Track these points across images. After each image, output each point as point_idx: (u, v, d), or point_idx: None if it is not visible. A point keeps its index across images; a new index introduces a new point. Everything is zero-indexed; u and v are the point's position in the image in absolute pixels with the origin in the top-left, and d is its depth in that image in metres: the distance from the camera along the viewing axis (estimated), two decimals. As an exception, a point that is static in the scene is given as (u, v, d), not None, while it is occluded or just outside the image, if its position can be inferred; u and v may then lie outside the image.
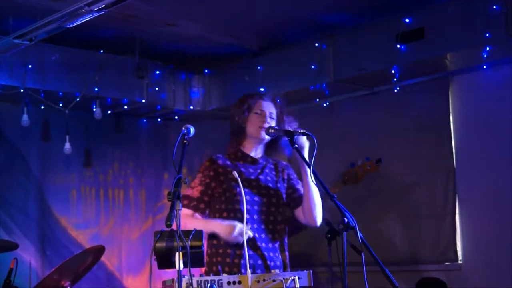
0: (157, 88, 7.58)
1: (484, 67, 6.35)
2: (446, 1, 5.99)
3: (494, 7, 5.65)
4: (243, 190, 3.61)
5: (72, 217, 7.64)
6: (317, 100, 7.44)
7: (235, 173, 3.63)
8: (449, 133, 6.71)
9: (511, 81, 6.27)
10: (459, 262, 6.60)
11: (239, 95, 4.16)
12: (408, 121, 6.98)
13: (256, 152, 3.88)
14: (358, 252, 3.34)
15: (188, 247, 2.98)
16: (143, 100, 7.46)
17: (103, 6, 4.88)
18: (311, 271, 3.40)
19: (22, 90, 6.62)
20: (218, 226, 3.66)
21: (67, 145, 7.15)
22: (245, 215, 3.55)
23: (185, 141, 3.43)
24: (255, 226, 3.73)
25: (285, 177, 3.90)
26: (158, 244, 3.02)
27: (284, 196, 3.85)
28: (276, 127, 3.74)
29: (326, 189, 3.40)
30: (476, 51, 5.98)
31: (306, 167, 3.62)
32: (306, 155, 3.64)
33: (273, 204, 3.76)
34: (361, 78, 6.74)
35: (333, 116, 7.54)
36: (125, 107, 7.63)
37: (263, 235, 3.71)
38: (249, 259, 3.57)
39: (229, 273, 3.43)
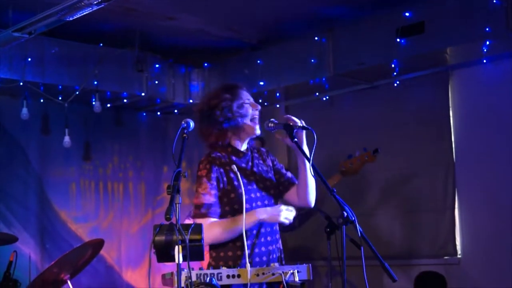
0: (156, 82, 7.58)
1: (484, 61, 6.35)
2: (446, -5, 5.99)
3: (494, 1, 5.65)
4: (244, 188, 3.59)
5: (72, 210, 7.65)
6: (317, 94, 7.44)
7: (234, 167, 3.61)
8: (449, 127, 6.71)
9: (511, 75, 6.27)
10: (458, 256, 6.61)
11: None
12: (408, 115, 6.99)
13: (245, 146, 3.84)
14: (357, 246, 3.33)
15: (187, 241, 2.98)
16: (143, 94, 7.45)
17: (103, -1, 4.88)
18: (310, 265, 3.40)
19: (21, 84, 6.62)
20: (263, 213, 3.58)
21: (67, 139, 7.15)
22: (244, 213, 3.52)
23: (184, 135, 3.42)
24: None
25: (270, 163, 3.87)
26: (157, 238, 3.02)
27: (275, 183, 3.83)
28: (275, 121, 3.71)
29: (325, 183, 3.40)
30: (476, 45, 5.98)
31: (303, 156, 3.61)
32: (305, 148, 3.62)
33: (272, 196, 3.75)
34: (360, 72, 6.74)
35: (332, 110, 7.55)
36: (125, 100, 7.63)
37: (268, 229, 3.69)
38: (256, 255, 3.59)
39: (234, 266, 3.42)
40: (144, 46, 7.31)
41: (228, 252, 3.58)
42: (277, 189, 3.79)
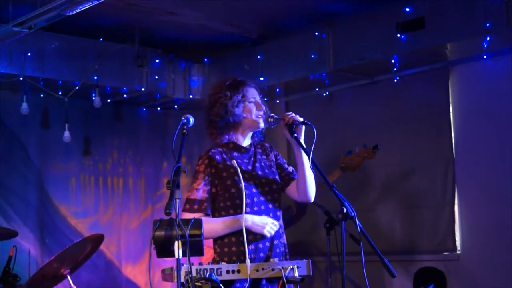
0: (156, 77, 7.57)
1: (484, 57, 6.35)
2: (446, -10, 5.99)
3: (495, -3, 5.65)
4: (244, 183, 3.59)
5: (72, 205, 7.65)
6: (317, 89, 7.44)
7: (234, 162, 3.61)
8: (449, 122, 6.71)
9: (511, 71, 6.26)
10: (458, 252, 6.61)
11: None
12: (407, 111, 6.98)
13: (248, 141, 3.84)
14: (357, 241, 3.33)
15: (187, 236, 2.98)
16: (143, 89, 7.45)
17: (103, -6, 4.87)
18: (310, 260, 3.40)
19: (21, 78, 6.62)
20: (249, 220, 3.56)
21: (66, 134, 7.15)
22: (244, 208, 3.52)
23: (184, 130, 3.41)
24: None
25: (273, 158, 3.87)
26: (157, 233, 3.02)
27: (278, 178, 3.83)
28: (276, 116, 3.71)
29: (325, 178, 3.40)
30: (477, 41, 5.98)
31: (303, 152, 3.60)
32: (302, 143, 3.62)
33: (274, 191, 3.74)
34: (361, 67, 6.74)
35: (332, 106, 7.55)
36: (125, 95, 7.63)
37: None
38: (260, 250, 3.59)
39: (236, 261, 3.42)
40: (144, 41, 7.30)
41: (232, 247, 3.58)
42: (279, 184, 3.79)
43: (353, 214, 3.22)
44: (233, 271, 3.29)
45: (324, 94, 7.49)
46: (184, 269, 3.13)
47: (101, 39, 7.12)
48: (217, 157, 3.67)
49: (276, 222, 3.66)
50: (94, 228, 7.59)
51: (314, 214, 6.99)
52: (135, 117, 8.28)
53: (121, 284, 7.95)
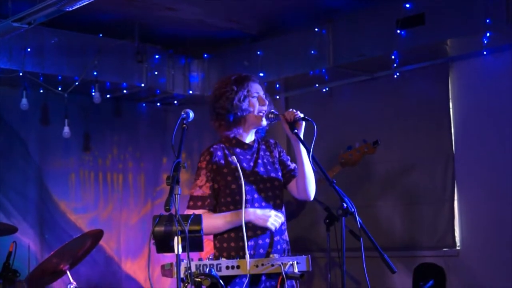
0: (156, 73, 7.57)
1: (484, 53, 6.34)
2: (446, -14, 5.98)
3: (495, -7, 5.64)
4: (244, 180, 3.59)
5: (71, 201, 7.65)
6: (317, 85, 7.44)
7: (234, 158, 3.61)
8: (449, 119, 6.71)
9: (511, 67, 6.26)
10: (457, 248, 6.62)
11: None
12: (407, 107, 6.98)
13: (251, 138, 3.84)
14: (356, 237, 3.34)
15: (186, 232, 2.98)
16: (142, 85, 7.45)
17: (103, -11, 4.87)
18: (309, 256, 3.40)
19: (21, 74, 6.61)
20: (251, 215, 3.59)
21: (66, 129, 7.15)
22: (244, 204, 3.52)
23: (184, 125, 3.41)
24: None
25: (276, 155, 3.87)
26: (157, 228, 3.02)
27: (280, 175, 3.83)
28: (276, 112, 3.71)
29: (325, 174, 3.40)
30: (477, 37, 5.97)
31: (301, 146, 3.60)
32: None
33: (276, 188, 3.74)
34: (360, 63, 6.73)
35: (332, 102, 7.54)
36: (124, 91, 7.62)
37: None
38: (260, 247, 3.59)
39: (236, 257, 3.42)
40: (144, 37, 7.30)
41: (231, 243, 3.59)
42: (281, 181, 3.79)
43: (353, 210, 3.22)
44: (232, 267, 3.29)
45: (324, 90, 7.48)
46: (183, 265, 3.12)
47: (101, 35, 7.11)
48: (219, 153, 3.67)
49: (280, 215, 3.67)
50: (93, 224, 7.59)
51: (314, 210, 6.99)
52: (134, 112, 8.28)
53: (121, 280, 7.96)
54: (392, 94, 7.09)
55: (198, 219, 3.07)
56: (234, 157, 3.62)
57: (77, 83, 6.98)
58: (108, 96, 7.67)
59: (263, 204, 3.66)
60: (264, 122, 3.75)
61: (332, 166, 6.24)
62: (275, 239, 3.65)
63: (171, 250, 3.00)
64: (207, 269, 3.21)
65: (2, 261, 5.39)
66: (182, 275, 3.09)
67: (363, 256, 3.26)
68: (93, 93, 7.08)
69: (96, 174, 7.92)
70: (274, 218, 3.63)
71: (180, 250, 2.98)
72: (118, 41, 7.20)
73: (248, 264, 3.30)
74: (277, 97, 7.83)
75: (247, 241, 3.51)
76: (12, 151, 7.27)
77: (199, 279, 3.13)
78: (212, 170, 3.64)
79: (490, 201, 6.40)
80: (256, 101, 3.75)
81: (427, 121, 6.84)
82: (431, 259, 6.59)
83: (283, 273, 3.31)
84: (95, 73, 7.02)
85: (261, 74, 7.20)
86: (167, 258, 3.32)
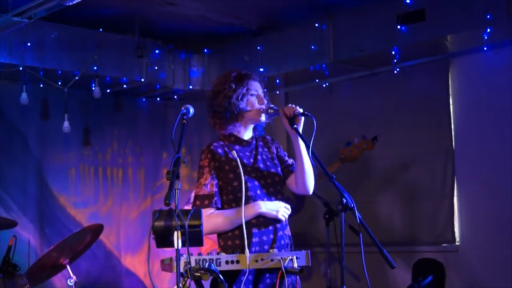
0: (156, 68, 7.57)
1: (485, 49, 6.34)
2: (447, -18, 5.97)
3: (495, -12, 5.64)
4: (246, 176, 3.58)
5: (71, 195, 7.66)
6: (317, 80, 7.43)
7: (234, 153, 3.62)
8: (449, 114, 6.71)
9: (511, 63, 6.26)
10: (457, 243, 6.62)
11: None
12: (407, 103, 6.98)
13: (249, 135, 3.83)
14: (356, 233, 3.34)
15: (186, 226, 2.99)
16: (142, 79, 7.45)
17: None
18: (309, 251, 3.40)
19: (21, 68, 6.61)
20: (264, 206, 3.61)
21: (66, 124, 7.15)
22: (244, 201, 3.53)
23: (184, 121, 3.41)
24: None
25: (274, 150, 3.88)
26: (156, 223, 3.02)
27: (280, 170, 3.83)
28: (275, 107, 3.71)
29: (324, 169, 3.40)
30: (477, 33, 5.97)
31: (301, 141, 3.60)
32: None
33: (277, 183, 3.75)
34: (361, 59, 6.72)
35: (332, 97, 7.54)
36: (124, 86, 7.62)
37: None
38: (264, 243, 3.59)
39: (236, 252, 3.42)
40: (144, 32, 7.29)
41: (236, 240, 3.58)
42: (281, 176, 3.79)
43: (352, 205, 3.23)
44: (232, 262, 3.29)
45: (324, 86, 7.48)
46: (183, 260, 3.13)
47: (101, 30, 7.11)
48: (219, 150, 3.66)
49: (288, 206, 3.69)
50: (93, 218, 7.60)
51: (313, 205, 6.99)
52: (134, 107, 8.28)
53: (121, 274, 7.97)
54: (392, 89, 7.08)
55: (198, 214, 3.07)
56: (234, 152, 3.62)
57: (77, 78, 6.98)
58: (108, 90, 7.67)
59: (265, 200, 3.67)
60: (263, 118, 3.75)
61: (331, 162, 6.24)
62: (279, 234, 3.65)
63: (171, 245, 3.00)
64: (207, 264, 3.21)
65: (2, 255, 5.39)
66: (181, 270, 3.10)
67: (362, 252, 3.26)
68: (93, 88, 7.08)
69: (96, 169, 7.92)
70: (284, 210, 3.66)
71: (180, 245, 2.98)
72: (118, 35, 7.20)
73: (247, 259, 3.30)
74: (277, 92, 7.83)
75: (252, 238, 3.53)
76: (12, 145, 7.28)
77: (199, 274, 3.14)
78: (215, 167, 3.63)
79: (489, 197, 6.41)
80: (255, 99, 3.74)
81: (427, 117, 6.84)
82: (431, 254, 6.59)
83: (283, 268, 3.31)
84: (95, 68, 7.02)
85: (261, 69, 7.20)
86: (167, 253, 3.33)
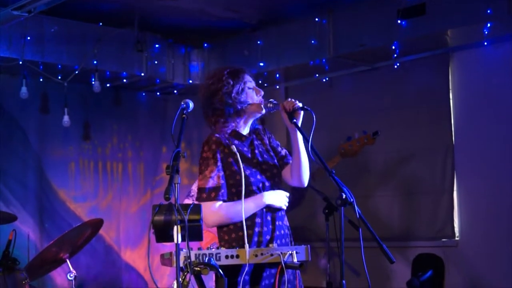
0: (156, 62, 7.55)
1: (485, 43, 6.33)
2: (448, -24, 5.96)
3: (496, -17, 5.62)
4: (248, 171, 3.59)
5: (71, 190, 7.66)
6: (317, 75, 7.42)
7: (234, 147, 3.61)
8: (449, 109, 6.70)
9: (511, 58, 6.25)
10: (456, 238, 6.63)
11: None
12: (407, 97, 6.98)
13: (248, 129, 3.82)
14: (355, 227, 3.33)
15: (186, 221, 2.98)
16: (142, 74, 7.44)
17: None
18: (308, 246, 3.40)
19: (20, 62, 6.60)
20: (270, 197, 3.62)
21: (66, 118, 7.15)
22: (243, 194, 3.52)
23: (184, 115, 3.40)
24: None
25: (267, 141, 3.87)
26: (156, 218, 3.02)
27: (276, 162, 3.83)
28: (275, 101, 3.70)
29: (324, 164, 3.40)
30: (477, 27, 5.95)
31: (300, 135, 3.60)
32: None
33: (275, 175, 3.74)
34: (361, 53, 6.72)
35: (332, 92, 7.54)
36: (124, 80, 7.61)
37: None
38: (264, 233, 3.59)
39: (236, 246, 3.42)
40: (144, 26, 7.28)
41: (239, 232, 3.57)
42: (279, 168, 3.78)
43: (352, 200, 3.22)
44: (231, 256, 3.29)
45: (324, 80, 7.47)
46: (183, 254, 3.13)
47: (101, 24, 7.10)
48: (223, 142, 3.64)
49: (287, 194, 3.70)
50: (93, 213, 7.60)
51: (313, 200, 6.99)
52: (134, 102, 8.28)
53: (120, 269, 7.97)
54: (392, 84, 7.08)
55: (197, 208, 3.07)
56: (233, 146, 3.62)
57: (77, 72, 6.98)
58: (108, 85, 7.66)
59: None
60: (263, 110, 3.74)
61: (331, 157, 6.24)
62: (277, 223, 3.66)
63: (171, 239, 3.00)
64: (207, 259, 3.21)
65: (2, 250, 5.40)
66: (181, 264, 3.10)
67: (362, 246, 3.26)
68: (93, 82, 7.07)
69: (96, 163, 7.92)
70: (285, 199, 3.68)
71: (180, 239, 2.98)
72: (118, 30, 7.19)
73: (247, 254, 3.30)
74: (277, 87, 7.83)
75: (255, 228, 3.54)
76: (12, 139, 7.27)
77: (199, 268, 3.14)
78: (220, 159, 3.60)
79: (489, 191, 6.41)
80: (253, 92, 3.74)
81: (427, 112, 6.84)
82: (430, 249, 6.60)
83: (283, 263, 3.31)
84: (95, 62, 7.01)
85: (261, 64, 7.19)
86: (167, 247, 3.33)
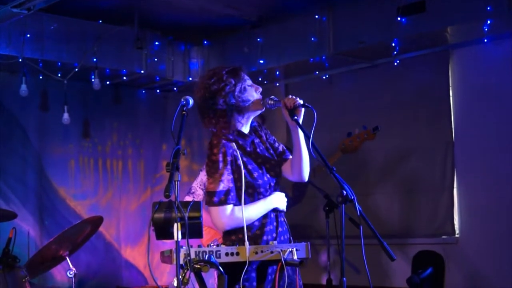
0: (156, 59, 7.55)
1: (485, 40, 6.33)
2: (448, -27, 5.95)
3: (496, -20, 5.62)
4: (257, 172, 3.59)
5: (71, 187, 7.66)
6: (317, 72, 7.42)
7: (234, 144, 3.60)
8: (449, 106, 6.70)
9: (511, 55, 6.24)
10: (456, 235, 6.63)
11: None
12: (407, 95, 6.97)
13: (248, 128, 3.78)
14: (356, 225, 3.33)
15: (186, 218, 2.98)
16: (142, 71, 7.43)
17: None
18: (309, 243, 3.40)
19: (20, 60, 6.60)
20: (277, 201, 3.63)
21: (66, 116, 7.15)
22: (243, 197, 3.51)
23: (184, 112, 3.38)
24: None
25: (264, 137, 3.85)
26: (156, 215, 3.02)
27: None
28: (276, 98, 3.68)
29: (325, 161, 3.39)
30: (477, 24, 5.95)
31: (301, 132, 3.59)
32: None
33: (278, 174, 3.74)
34: (361, 51, 6.71)
35: (332, 89, 7.53)
36: (124, 78, 7.61)
37: None
38: (267, 233, 3.58)
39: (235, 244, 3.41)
40: (144, 23, 7.28)
41: (257, 231, 3.56)
42: (280, 166, 3.77)
43: (352, 197, 3.21)
44: (232, 254, 3.29)
45: (324, 77, 7.47)
46: (183, 251, 3.12)
47: (100, 21, 7.09)
48: (231, 144, 3.61)
49: (284, 194, 3.72)
50: (93, 210, 7.60)
51: (313, 197, 6.98)
52: (134, 99, 8.27)
53: (120, 266, 7.98)
54: (392, 81, 7.08)
55: (197, 206, 3.06)
56: (240, 151, 3.59)
57: (76, 70, 6.97)
58: (107, 82, 7.66)
59: (277, 191, 3.69)
60: (264, 108, 3.72)
61: (331, 153, 6.23)
62: (280, 220, 3.66)
63: (171, 236, 3.00)
64: (207, 256, 3.21)
65: (2, 247, 5.39)
66: (181, 262, 3.09)
67: (363, 244, 3.25)
68: (93, 80, 7.06)
69: (96, 161, 7.92)
70: (286, 201, 3.70)
71: (180, 236, 2.97)
72: (118, 27, 7.18)
73: (247, 251, 3.30)
74: (277, 84, 7.83)
75: (265, 227, 3.56)
76: (12, 137, 7.27)
77: (199, 266, 3.13)
78: (229, 162, 3.55)
79: (489, 189, 6.41)
80: (252, 89, 3.72)
81: (427, 109, 6.83)
82: (430, 246, 6.60)
83: (283, 260, 3.31)
84: (94, 60, 7.01)
85: (261, 61, 7.19)
86: (167, 244, 3.32)
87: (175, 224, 2.98)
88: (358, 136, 6.19)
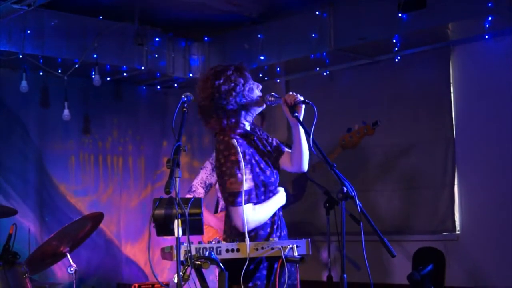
0: (156, 55, 7.55)
1: (486, 37, 6.32)
2: (449, -31, 5.94)
3: (497, -24, 5.61)
4: (267, 171, 3.59)
5: (71, 184, 7.66)
6: (317, 68, 7.41)
7: (237, 146, 3.58)
8: (449, 103, 6.69)
9: (512, 51, 6.25)
10: (457, 232, 6.62)
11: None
12: (408, 91, 6.97)
13: (249, 125, 3.77)
14: (356, 221, 3.32)
15: (186, 215, 2.98)
16: (143, 67, 7.43)
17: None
18: (309, 239, 3.39)
19: (20, 56, 6.59)
20: (282, 196, 3.65)
21: (66, 112, 7.15)
22: (243, 196, 3.51)
23: (184, 108, 3.38)
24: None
25: (259, 133, 3.84)
26: (157, 211, 3.02)
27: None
28: (276, 95, 3.66)
29: (325, 158, 3.38)
30: (478, 21, 5.95)
31: (301, 129, 3.58)
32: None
33: (278, 168, 3.73)
34: (361, 47, 6.71)
35: (333, 85, 7.53)
36: (124, 74, 7.61)
37: None
38: (266, 226, 3.57)
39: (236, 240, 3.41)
40: (144, 20, 7.27)
41: (267, 229, 3.57)
42: (278, 160, 3.77)
43: (353, 193, 3.21)
44: (232, 250, 3.28)
45: (325, 74, 7.46)
46: (183, 248, 3.12)
47: (101, 17, 7.09)
48: (243, 143, 3.59)
49: (283, 189, 3.73)
50: (93, 207, 7.60)
51: (314, 194, 6.98)
52: (134, 95, 8.27)
53: (121, 263, 7.98)
54: (393, 78, 7.07)
55: (198, 202, 3.06)
56: (247, 151, 3.59)
57: (77, 66, 6.97)
58: (108, 78, 7.65)
59: (278, 189, 3.70)
60: (265, 105, 3.71)
61: (332, 150, 6.23)
62: (280, 214, 3.67)
63: (171, 233, 3.00)
64: (207, 252, 3.21)
65: (2, 244, 5.39)
66: (182, 258, 3.09)
67: (363, 240, 3.25)
68: (93, 76, 7.06)
69: (96, 157, 7.92)
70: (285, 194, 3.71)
71: (180, 233, 2.97)
72: (118, 23, 7.18)
73: (247, 247, 3.30)
74: (278, 80, 7.82)
75: (274, 224, 3.56)
76: (12, 133, 7.27)
77: (199, 262, 3.13)
78: (242, 161, 3.50)
79: (490, 185, 6.40)
80: (255, 87, 3.71)
81: (428, 105, 6.83)
82: (431, 243, 6.59)
83: (283, 257, 3.31)
84: (95, 56, 7.00)
85: (262, 57, 7.18)
86: (167, 241, 3.32)
87: (176, 221, 2.97)
88: (358, 132, 6.18)
